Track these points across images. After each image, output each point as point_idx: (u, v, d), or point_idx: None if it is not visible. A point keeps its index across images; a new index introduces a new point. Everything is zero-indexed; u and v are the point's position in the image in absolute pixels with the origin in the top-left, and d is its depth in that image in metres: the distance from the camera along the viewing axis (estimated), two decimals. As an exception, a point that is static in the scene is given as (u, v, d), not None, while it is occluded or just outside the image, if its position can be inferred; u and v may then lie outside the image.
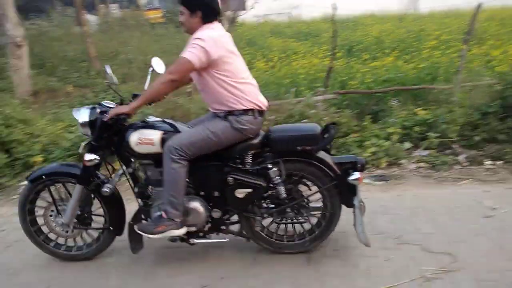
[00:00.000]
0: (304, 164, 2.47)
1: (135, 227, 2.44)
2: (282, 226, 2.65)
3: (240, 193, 2.44)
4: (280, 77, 6.63)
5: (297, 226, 2.63)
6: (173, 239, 2.47)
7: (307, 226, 2.63)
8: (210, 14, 2.30)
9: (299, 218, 2.58)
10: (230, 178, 2.40)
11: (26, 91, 6.70)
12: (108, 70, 2.45)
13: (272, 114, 4.46)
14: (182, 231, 2.39)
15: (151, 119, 2.54)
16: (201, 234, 2.55)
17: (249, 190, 2.42)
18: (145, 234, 2.37)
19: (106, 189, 2.44)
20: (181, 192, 2.33)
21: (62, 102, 6.42)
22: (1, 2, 6.19)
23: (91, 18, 11.22)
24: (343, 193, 2.47)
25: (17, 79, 6.63)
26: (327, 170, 2.45)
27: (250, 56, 8.22)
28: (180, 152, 2.27)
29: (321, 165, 2.45)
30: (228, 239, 2.57)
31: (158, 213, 2.38)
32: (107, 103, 2.52)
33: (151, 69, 2.57)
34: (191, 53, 2.19)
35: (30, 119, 4.74)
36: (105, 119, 2.35)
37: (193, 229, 2.47)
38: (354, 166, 2.44)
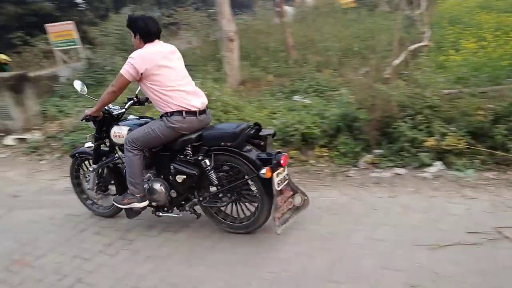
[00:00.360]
0: (231, 157, 2.89)
1: (112, 199, 3.30)
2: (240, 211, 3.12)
3: (179, 178, 3.00)
4: (495, 58, 5.72)
5: (245, 210, 3.10)
6: (154, 211, 3.25)
7: (250, 210, 3.08)
8: (147, 36, 2.89)
9: (237, 201, 3.06)
10: (171, 166, 3.02)
11: (236, 80, 7.53)
12: (76, 85, 3.39)
13: (490, 103, 3.88)
14: (143, 204, 3.11)
15: (130, 117, 3.39)
16: (165, 209, 3.22)
17: (185, 176, 2.97)
18: (117, 205, 3.19)
19: (111, 165, 3.43)
20: (137, 174, 3.03)
21: (264, 90, 6.97)
22: (218, 1, 7.06)
23: (289, 9, 11.81)
24: (263, 184, 2.80)
25: (228, 69, 7.48)
26: (247, 163, 2.82)
27: (454, 36, 7.33)
28: (132, 144, 2.95)
29: (242, 159, 2.84)
30: (181, 215, 3.21)
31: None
32: (109, 106, 3.30)
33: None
34: (124, 70, 2.83)
35: (241, 106, 5.32)
36: (81, 119, 3.34)
37: (155, 204, 3.19)
38: (270, 161, 2.71)
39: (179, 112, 2.87)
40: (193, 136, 2.94)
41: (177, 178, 3.01)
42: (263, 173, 2.67)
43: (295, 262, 2.67)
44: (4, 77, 6.50)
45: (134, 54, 2.83)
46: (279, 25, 10.02)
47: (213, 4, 8.70)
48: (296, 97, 6.26)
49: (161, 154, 3.10)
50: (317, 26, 10.07)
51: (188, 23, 10.85)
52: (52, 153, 5.81)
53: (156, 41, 2.94)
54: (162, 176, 3.14)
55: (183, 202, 3.18)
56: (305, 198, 3.00)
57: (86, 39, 14.83)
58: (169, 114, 2.89)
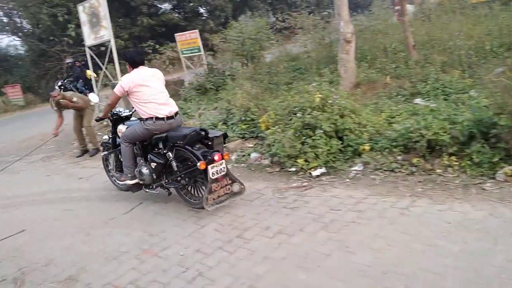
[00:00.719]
0: (185, 152, 3.89)
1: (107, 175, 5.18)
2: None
3: (153, 165, 4.14)
4: None
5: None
6: (146, 188, 4.38)
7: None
8: (133, 64, 4.10)
9: (193, 184, 4.15)
10: (148, 156, 4.22)
11: (350, 83, 7.31)
12: (92, 97, 5.45)
13: None
14: (133, 181, 4.31)
15: (132, 119, 4.73)
16: (150, 186, 4.32)
17: (156, 163, 4.11)
18: (117, 182, 4.89)
19: (118, 152, 4.72)
20: (128, 160, 4.30)
21: (381, 92, 6.64)
22: (337, 3, 6.93)
23: (409, 7, 11.12)
24: (204, 173, 3.75)
25: (343, 72, 7.29)
26: (193, 157, 3.80)
27: None
28: (125, 138, 4.25)
29: (190, 153, 3.82)
30: (158, 192, 4.36)
31: None
32: (120, 109, 4.84)
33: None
34: (116, 88, 4.09)
35: (357, 109, 5.12)
36: (96, 119, 5.09)
37: (142, 182, 4.29)
38: (206, 157, 3.69)
39: (151, 118, 3.99)
40: (163, 135, 4.03)
41: (151, 165, 4.17)
42: (198, 165, 3.67)
43: (422, 280, 2.44)
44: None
45: (123, 77, 4.10)
46: (397, 25, 9.47)
47: (326, 7, 8.56)
48: (417, 100, 5.83)
49: (146, 146, 4.31)
50: (442, 23, 9.27)
51: (302, 26, 10.89)
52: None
53: (140, 67, 4.12)
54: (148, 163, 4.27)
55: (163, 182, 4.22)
56: (242, 187, 3.99)
57: (207, 46, 15.93)
58: (144, 119, 4.04)
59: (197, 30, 12.66)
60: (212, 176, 3.70)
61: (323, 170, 4.38)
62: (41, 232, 4.23)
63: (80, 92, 12.99)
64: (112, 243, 3.67)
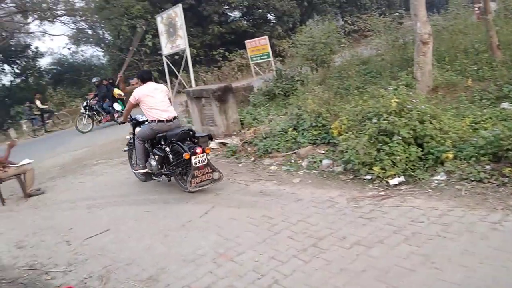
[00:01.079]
0: (177, 147, 5.15)
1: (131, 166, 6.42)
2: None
3: (156, 157, 5.41)
4: None
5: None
6: (154, 176, 5.67)
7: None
8: (143, 79, 5.51)
9: (183, 172, 5.32)
10: (153, 150, 5.51)
11: (427, 86, 6.92)
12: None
13: None
14: (144, 170, 5.59)
15: (147, 122, 5.69)
16: (157, 175, 5.56)
17: (157, 156, 5.40)
18: (132, 170, 6.19)
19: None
20: (140, 153, 5.59)
21: (461, 96, 6.21)
22: (414, 3, 6.62)
23: (492, 5, 10.31)
24: (189, 162, 5.00)
25: (419, 74, 6.93)
26: (182, 150, 5.05)
27: None
28: (137, 137, 5.60)
29: (181, 148, 5.08)
30: (162, 179, 5.69)
31: None
32: (138, 116, 6.06)
33: None
34: (131, 98, 5.42)
35: (438, 114, 4.82)
36: (119, 123, 7.56)
37: (150, 171, 5.58)
38: (191, 150, 4.98)
39: (155, 121, 5.34)
40: (164, 134, 5.37)
41: (155, 157, 5.44)
42: (184, 156, 4.94)
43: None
44: (213, 89, 7.48)
45: (135, 90, 5.47)
46: (478, 23, 8.82)
47: (398, 7, 8.19)
48: (504, 104, 5.39)
49: (154, 144, 5.59)
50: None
51: (373, 29, 10.56)
52: (248, 157, 6.39)
53: (148, 82, 5.50)
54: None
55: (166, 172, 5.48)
56: (221, 174, 5.18)
57: (275, 52, 16.02)
58: (150, 121, 5.41)
59: (266, 37, 12.81)
60: (195, 164, 4.94)
61: (401, 178, 4.16)
62: (123, 232, 4.49)
63: (107, 113, 13.69)
64: (189, 245, 3.79)
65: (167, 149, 5.30)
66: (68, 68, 28.91)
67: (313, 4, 25.94)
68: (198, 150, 4.94)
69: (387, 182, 4.21)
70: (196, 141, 5.20)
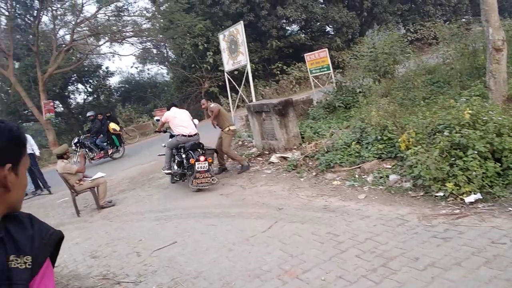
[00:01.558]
0: (189, 154, 6.71)
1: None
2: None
3: (176, 161, 7.21)
4: None
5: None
6: (175, 177, 7.54)
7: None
8: (169, 107, 7.58)
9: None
10: (175, 155, 7.26)
11: (502, 96, 6.46)
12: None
13: None
14: (169, 171, 7.38)
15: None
16: (177, 175, 7.39)
17: (177, 161, 7.16)
18: (162, 171, 7.71)
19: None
20: (168, 158, 7.33)
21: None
22: (485, 8, 6.25)
23: None
24: (193, 166, 6.59)
25: (493, 83, 6.49)
26: (192, 157, 6.68)
27: None
28: (167, 145, 7.44)
29: (191, 155, 6.68)
30: (180, 179, 7.46)
31: None
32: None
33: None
34: (163, 118, 7.46)
35: (516, 126, 4.47)
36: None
37: (173, 173, 7.37)
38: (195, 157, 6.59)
39: (179, 135, 7.04)
40: (184, 144, 6.90)
41: (176, 161, 7.10)
42: (189, 161, 6.57)
43: None
44: (274, 103, 7.53)
45: (165, 114, 7.35)
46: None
47: (465, 13, 7.74)
48: None
49: (178, 151, 7.13)
50: None
51: (438, 36, 10.09)
52: (309, 171, 6.32)
53: (173, 108, 7.39)
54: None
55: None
56: (217, 180, 6.76)
57: (333, 64, 15.84)
58: (176, 135, 7.13)
59: (326, 49, 12.72)
60: (197, 168, 6.50)
61: (478, 196, 3.89)
62: (190, 244, 4.60)
63: (101, 149, 12.68)
64: (254, 260, 3.79)
65: (183, 156, 6.96)
66: (135, 86, 30.75)
67: (373, 14, 25.43)
68: (201, 158, 6.52)
69: (462, 199, 3.95)
70: (204, 152, 6.76)
